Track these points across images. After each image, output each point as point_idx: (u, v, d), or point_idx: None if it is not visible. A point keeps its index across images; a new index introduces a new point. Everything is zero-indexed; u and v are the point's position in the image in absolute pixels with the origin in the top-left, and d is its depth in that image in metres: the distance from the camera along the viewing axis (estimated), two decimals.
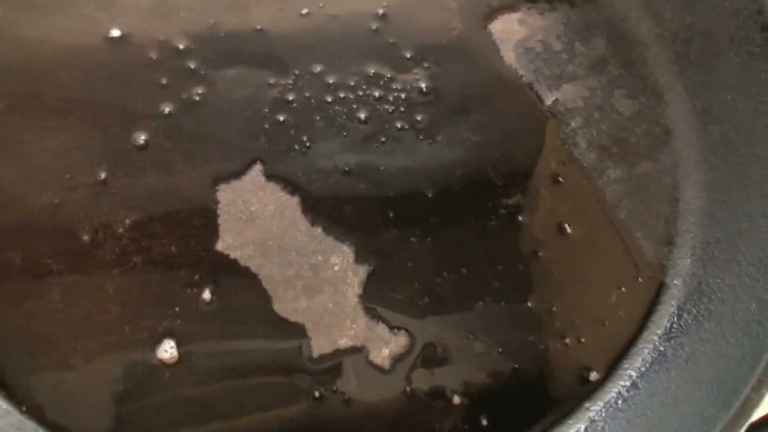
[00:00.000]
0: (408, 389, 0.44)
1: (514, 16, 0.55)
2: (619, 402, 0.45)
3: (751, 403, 0.39)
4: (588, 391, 0.45)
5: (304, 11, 0.53)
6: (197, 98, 0.49)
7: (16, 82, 0.48)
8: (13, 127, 0.47)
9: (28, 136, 0.47)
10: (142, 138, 0.47)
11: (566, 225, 0.49)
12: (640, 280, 0.48)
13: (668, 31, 0.54)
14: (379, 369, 0.44)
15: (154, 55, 0.50)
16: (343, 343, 0.45)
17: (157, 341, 0.44)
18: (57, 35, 0.49)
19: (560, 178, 0.50)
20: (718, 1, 0.51)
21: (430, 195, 0.48)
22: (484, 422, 0.44)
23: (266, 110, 0.49)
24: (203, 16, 0.51)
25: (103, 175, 0.46)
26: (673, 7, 0.54)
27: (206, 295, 0.44)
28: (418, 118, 0.50)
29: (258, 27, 0.52)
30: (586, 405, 0.45)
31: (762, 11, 0.48)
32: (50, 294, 0.44)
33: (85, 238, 0.45)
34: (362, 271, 0.46)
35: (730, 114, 0.50)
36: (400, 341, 0.45)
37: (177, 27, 0.50)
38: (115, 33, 0.50)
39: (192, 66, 0.50)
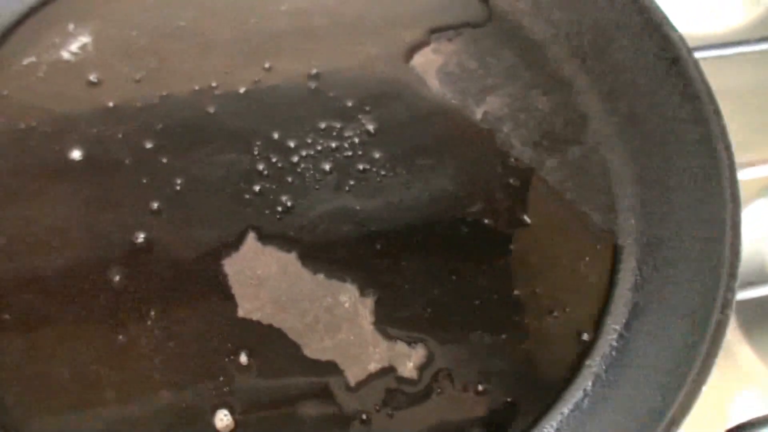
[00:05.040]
0: (438, 390, 0.52)
1: (429, 48, 0.64)
2: (614, 353, 0.55)
3: (722, 325, 0.49)
4: (585, 350, 0.55)
5: (242, 90, 0.60)
6: (178, 188, 0.56)
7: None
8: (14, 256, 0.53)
9: (34, 260, 0.53)
10: (141, 236, 0.54)
11: (525, 217, 0.58)
12: (598, 247, 0.58)
13: (561, 30, 0.65)
14: (409, 381, 0.52)
15: (128, 160, 0.56)
16: (373, 367, 0.53)
17: (212, 412, 0.50)
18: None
19: (509, 179, 0.59)
20: None
21: (406, 220, 0.57)
22: (509, 399, 0.53)
23: (242, 184, 0.57)
24: (160, 112, 0.58)
25: (117, 278, 0.53)
26: (559, 8, 0.65)
27: (243, 359, 0.52)
28: (376, 156, 0.59)
29: (210, 110, 0.59)
30: (587, 363, 0.54)
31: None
32: (105, 397, 0.50)
33: (120, 338, 0.51)
34: (369, 301, 0.54)
35: (632, 90, 0.62)
36: (419, 353, 0.53)
37: (141, 128, 0.57)
38: (77, 155, 0.56)
39: (164, 161, 0.57)
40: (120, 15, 0.64)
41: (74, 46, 0.61)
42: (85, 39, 0.62)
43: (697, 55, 0.58)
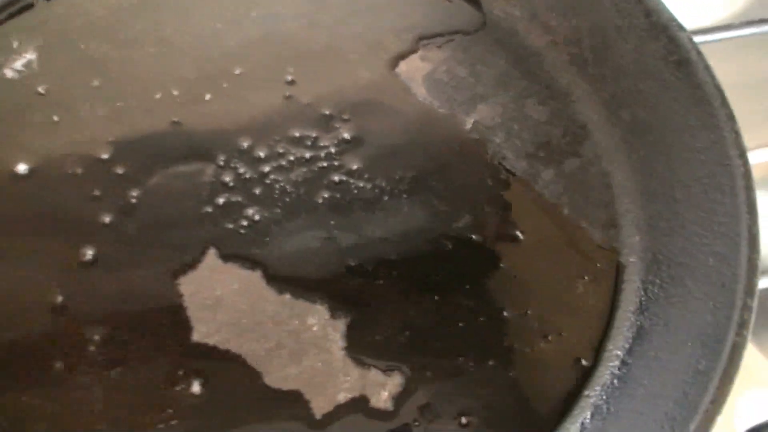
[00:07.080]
0: (416, 423, 0.46)
1: (416, 56, 0.60)
2: (615, 381, 0.48)
3: (738, 347, 0.44)
4: (583, 379, 0.49)
5: (208, 97, 0.56)
6: (134, 201, 0.51)
7: None
8: None
9: None
10: (89, 253, 0.49)
11: (518, 233, 0.52)
12: (598, 265, 0.52)
13: (558, 36, 0.60)
14: (383, 413, 0.46)
15: (79, 170, 0.51)
16: (342, 397, 0.47)
17: None
18: None
19: (500, 192, 0.54)
20: (597, 1, 0.57)
21: (381, 234, 0.51)
22: None
23: (204, 196, 0.52)
24: (117, 122, 0.53)
25: (59, 299, 0.48)
26: (557, 14, 0.60)
27: (195, 388, 0.46)
28: (354, 167, 0.54)
29: (174, 119, 0.54)
30: (586, 393, 0.48)
31: (641, 1, 0.54)
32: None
33: (58, 365, 0.46)
34: (340, 324, 0.49)
35: (635, 96, 0.56)
36: (395, 381, 0.47)
37: (95, 138, 0.52)
38: (23, 168, 0.52)
39: (120, 172, 0.52)
40: (69, 28, 0.59)
41: (18, 64, 0.57)
42: (30, 56, 0.57)
43: (697, 39, 0.55)
